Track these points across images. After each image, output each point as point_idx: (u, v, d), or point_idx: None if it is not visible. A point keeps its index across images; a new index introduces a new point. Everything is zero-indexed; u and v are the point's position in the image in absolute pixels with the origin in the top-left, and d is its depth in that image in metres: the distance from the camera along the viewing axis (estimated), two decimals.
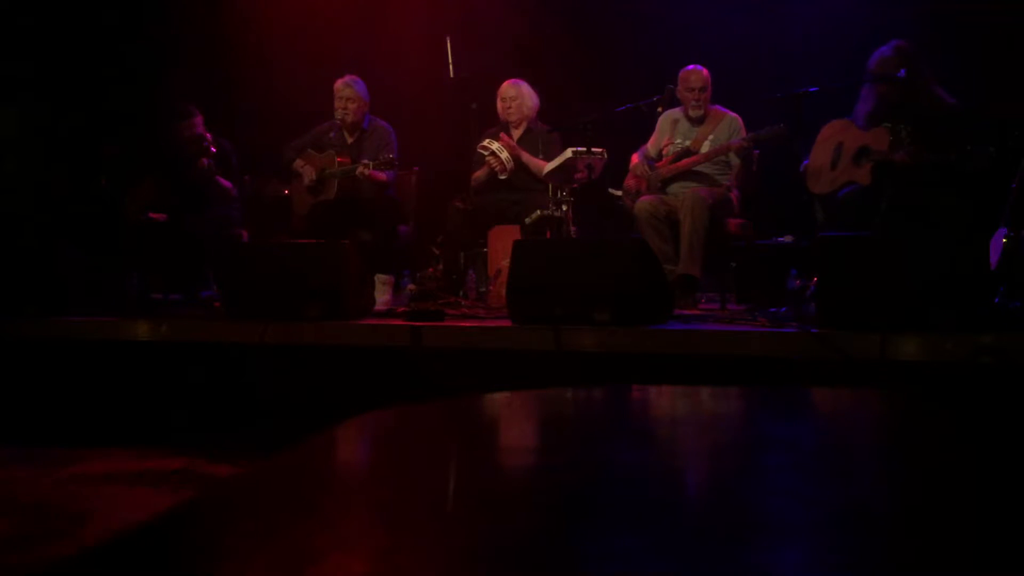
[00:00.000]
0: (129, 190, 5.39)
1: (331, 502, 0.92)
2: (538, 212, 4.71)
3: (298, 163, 5.21)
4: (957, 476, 1.03)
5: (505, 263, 3.87)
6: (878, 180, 4.11)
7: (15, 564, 2.30)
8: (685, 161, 4.78)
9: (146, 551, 0.75)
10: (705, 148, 4.77)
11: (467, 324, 3.73)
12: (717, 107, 4.88)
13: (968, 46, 4.84)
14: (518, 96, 5.15)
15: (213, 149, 5.24)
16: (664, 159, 4.89)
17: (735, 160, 4.75)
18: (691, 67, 4.82)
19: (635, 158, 5.01)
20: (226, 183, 5.34)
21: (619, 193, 5.01)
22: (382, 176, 5.03)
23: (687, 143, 4.84)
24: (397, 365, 3.55)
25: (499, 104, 5.21)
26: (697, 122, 4.86)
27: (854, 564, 0.71)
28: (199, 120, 5.40)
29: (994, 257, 3.74)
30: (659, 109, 4.97)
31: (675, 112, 4.95)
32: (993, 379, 2.89)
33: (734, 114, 4.83)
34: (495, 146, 5.04)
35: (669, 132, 4.95)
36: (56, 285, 4.35)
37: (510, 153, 5.03)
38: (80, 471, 3.24)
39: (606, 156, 4.58)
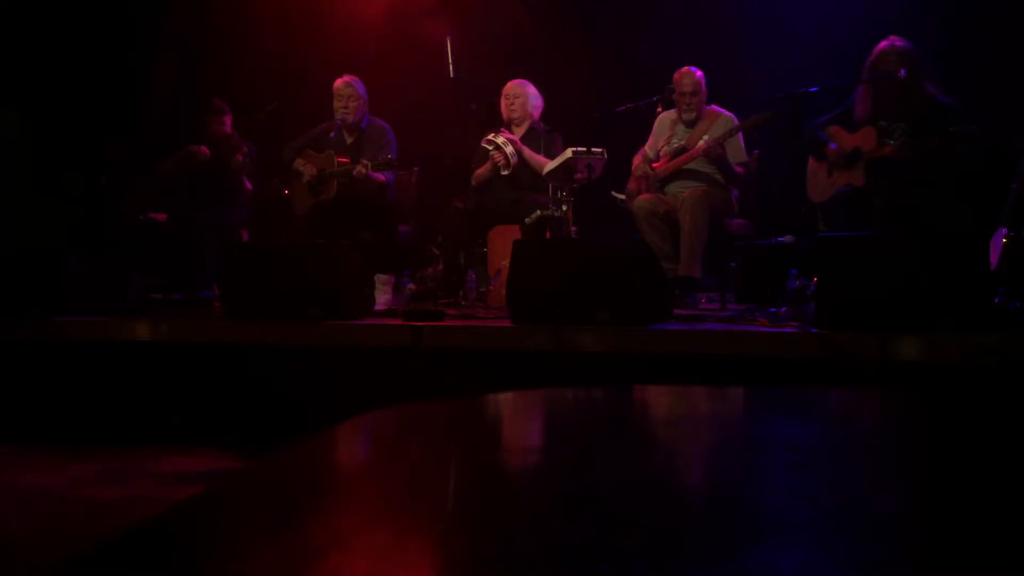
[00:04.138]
0: (129, 190, 5.40)
1: (331, 501, 0.92)
2: (538, 212, 4.70)
3: (298, 163, 5.21)
4: (957, 476, 1.03)
5: (505, 263, 3.87)
6: (871, 178, 4.10)
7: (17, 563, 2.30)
8: (681, 158, 4.77)
9: (147, 550, 0.75)
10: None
11: (467, 324, 3.73)
12: (713, 107, 4.87)
13: (966, 42, 4.84)
14: (522, 95, 5.15)
15: (245, 148, 5.29)
16: (661, 159, 4.89)
17: (732, 158, 4.73)
18: (683, 69, 4.81)
19: (637, 160, 5.01)
20: (248, 184, 5.40)
21: (622, 196, 5.01)
22: (380, 177, 5.02)
23: (682, 143, 4.84)
24: (397, 365, 3.55)
25: (502, 102, 5.20)
26: (692, 123, 4.86)
27: (855, 564, 0.71)
28: (228, 119, 5.45)
29: (994, 257, 3.74)
30: (658, 109, 4.98)
31: (673, 113, 4.94)
32: (993, 379, 2.89)
33: (730, 114, 4.82)
34: (499, 140, 5.02)
35: (667, 133, 4.95)
36: (57, 286, 4.35)
37: (514, 148, 5.02)
38: (80, 470, 3.24)
39: (606, 156, 4.58)
